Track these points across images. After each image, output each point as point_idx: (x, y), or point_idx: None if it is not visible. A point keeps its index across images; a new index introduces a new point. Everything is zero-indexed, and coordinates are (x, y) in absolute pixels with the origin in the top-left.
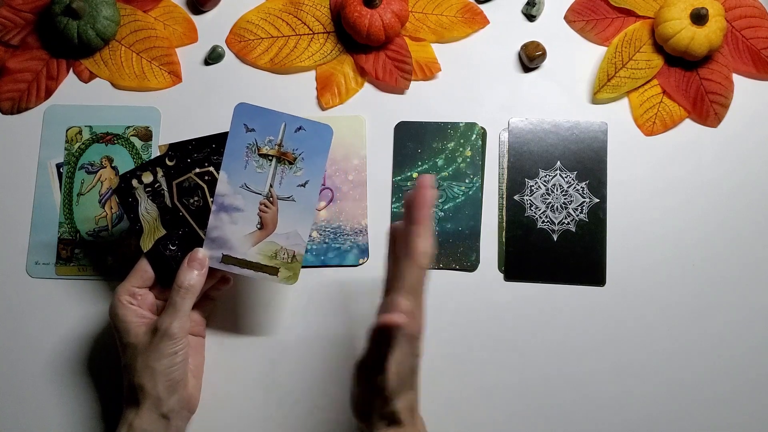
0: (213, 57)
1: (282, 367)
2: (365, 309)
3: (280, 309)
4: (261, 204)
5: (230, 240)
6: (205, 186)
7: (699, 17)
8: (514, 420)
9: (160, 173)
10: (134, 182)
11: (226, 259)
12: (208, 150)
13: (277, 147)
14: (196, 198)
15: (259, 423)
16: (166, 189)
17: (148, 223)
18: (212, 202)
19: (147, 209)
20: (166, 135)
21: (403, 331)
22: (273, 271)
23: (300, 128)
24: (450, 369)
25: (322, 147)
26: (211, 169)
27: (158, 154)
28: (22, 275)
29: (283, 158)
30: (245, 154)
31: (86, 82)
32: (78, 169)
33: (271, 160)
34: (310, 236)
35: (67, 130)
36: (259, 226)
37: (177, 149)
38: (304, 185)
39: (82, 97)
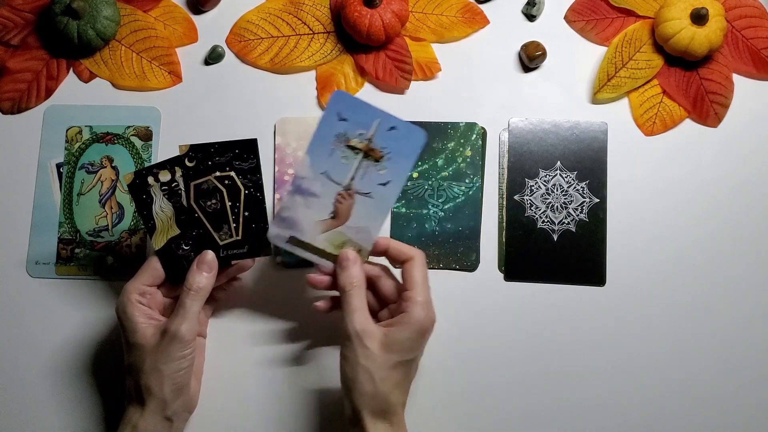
0: (213, 57)
1: (281, 367)
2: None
3: (279, 308)
4: (338, 194)
5: (300, 223)
6: (224, 190)
7: (699, 17)
8: (514, 419)
9: (178, 173)
10: (150, 179)
11: (293, 241)
12: (230, 155)
13: (366, 142)
14: (213, 201)
15: (258, 422)
16: (183, 189)
17: (161, 221)
18: (232, 206)
19: (162, 207)
20: (166, 135)
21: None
22: (335, 259)
23: (393, 128)
24: (450, 369)
25: (411, 150)
26: (233, 174)
27: (159, 153)
28: (22, 275)
29: (370, 154)
30: (333, 142)
31: (86, 82)
32: (78, 169)
33: (357, 154)
34: None
35: (67, 130)
36: (332, 215)
37: (198, 150)
38: (384, 185)
39: (82, 97)
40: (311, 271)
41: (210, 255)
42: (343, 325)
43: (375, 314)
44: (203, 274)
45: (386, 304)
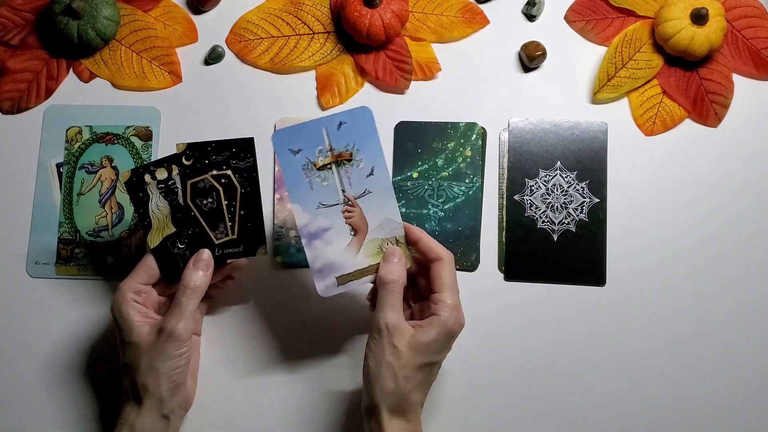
0: (213, 57)
1: (280, 367)
2: (364, 307)
3: (278, 308)
4: (343, 212)
5: (335, 261)
6: (221, 189)
7: (699, 17)
8: (515, 419)
9: (175, 171)
10: (147, 177)
11: (342, 280)
12: (227, 153)
13: (329, 153)
14: (210, 200)
15: (255, 421)
16: (180, 187)
17: (157, 219)
18: (228, 205)
19: (158, 205)
20: (166, 135)
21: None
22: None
23: (340, 123)
24: (450, 369)
25: (368, 129)
26: (229, 173)
27: (159, 153)
28: (22, 275)
29: (341, 160)
30: (304, 176)
31: (86, 82)
32: (78, 169)
33: (330, 168)
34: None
35: (67, 130)
36: (352, 232)
37: (195, 149)
38: (371, 173)
39: (82, 97)
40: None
41: (206, 253)
42: (374, 318)
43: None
44: (199, 273)
45: (417, 299)
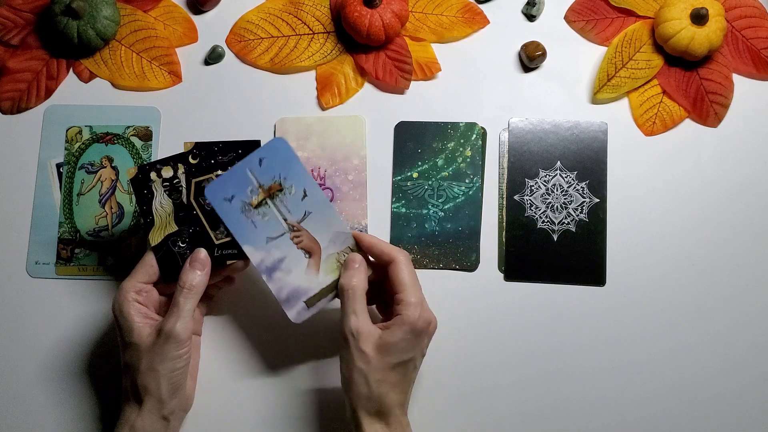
0: (213, 57)
1: (279, 367)
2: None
3: (277, 308)
4: (292, 239)
5: (299, 286)
6: None
7: (699, 17)
8: (514, 420)
9: (181, 169)
10: (153, 175)
11: (310, 302)
12: (233, 155)
13: (260, 190)
14: None
15: (254, 422)
16: (184, 186)
17: (160, 217)
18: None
19: (162, 203)
20: (166, 135)
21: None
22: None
23: (260, 160)
24: (450, 369)
25: (287, 157)
26: None
27: (160, 153)
28: (22, 275)
29: (273, 193)
30: (245, 216)
31: (86, 82)
32: (78, 169)
33: (266, 203)
34: None
35: (67, 130)
36: (307, 255)
37: (203, 148)
38: (305, 195)
39: (82, 97)
40: None
41: (203, 253)
42: (340, 327)
43: (384, 309)
44: (196, 272)
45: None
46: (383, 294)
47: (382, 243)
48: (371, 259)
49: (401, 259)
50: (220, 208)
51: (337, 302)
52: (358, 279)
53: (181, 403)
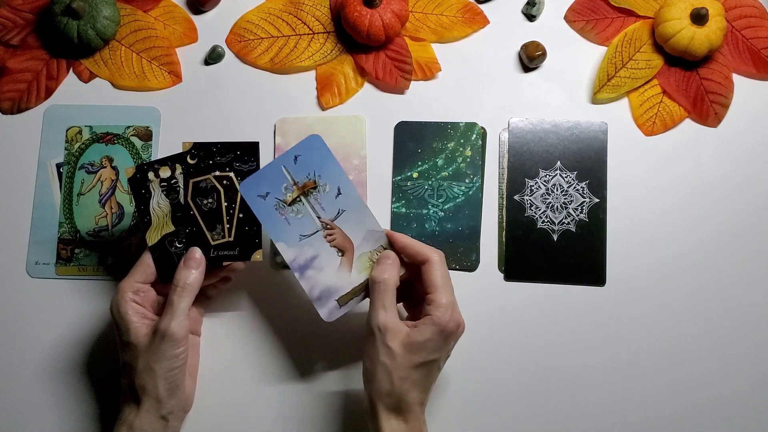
0: (213, 57)
1: (279, 367)
2: (363, 306)
3: (276, 308)
4: (325, 237)
5: (331, 285)
6: (222, 190)
7: (699, 17)
8: (514, 419)
9: (178, 170)
10: (150, 175)
11: (342, 301)
12: (231, 156)
13: (294, 187)
14: (210, 200)
15: (254, 422)
16: (182, 186)
17: (158, 217)
18: (227, 207)
19: (159, 203)
20: (166, 135)
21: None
22: None
23: (296, 157)
24: (449, 369)
25: (323, 154)
26: (231, 175)
27: (159, 153)
28: (22, 275)
29: (307, 191)
30: (278, 214)
31: (86, 82)
32: (78, 169)
33: (300, 200)
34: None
35: (67, 130)
36: (340, 254)
37: (201, 149)
38: (339, 193)
39: (82, 97)
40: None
41: (197, 252)
42: (367, 320)
43: (412, 307)
44: (191, 271)
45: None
46: (412, 293)
47: (416, 243)
48: (404, 259)
49: (436, 259)
50: (254, 205)
51: (367, 302)
52: (390, 274)
53: (180, 403)
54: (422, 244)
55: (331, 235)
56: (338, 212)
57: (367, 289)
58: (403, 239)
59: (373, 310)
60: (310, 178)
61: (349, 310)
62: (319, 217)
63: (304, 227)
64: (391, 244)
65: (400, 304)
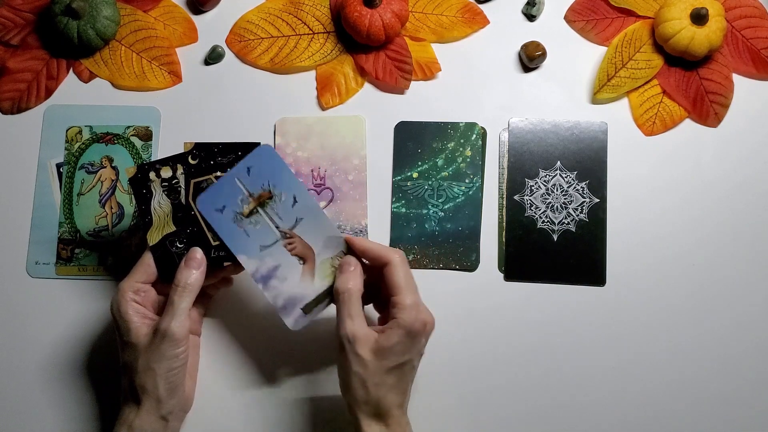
0: (213, 57)
1: (281, 368)
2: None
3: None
4: (286, 245)
5: (295, 293)
6: None
7: (699, 17)
8: (514, 419)
9: (180, 170)
10: (152, 175)
11: (307, 309)
12: (233, 156)
13: (251, 199)
14: None
15: (254, 423)
16: (183, 186)
17: (158, 217)
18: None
19: (160, 203)
20: (166, 135)
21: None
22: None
23: (248, 168)
24: (450, 369)
25: (275, 164)
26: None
27: (159, 153)
28: (22, 275)
29: (263, 201)
30: (237, 226)
31: (86, 82)
32: (78, 169)
33: (257, 211)
34: None
35: (67, 130)
36: (301, 262)
37: (202, 149)
38: (295, 201)
39: (82, 97)
40: None
41: (198, 252)
42: (336, 332)
43: (383, 307)
44: (192, 271)
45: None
46: (379, 293)
47: (376, 245)
48: (365, 261)
49: (396, 260)
50: (212, 219)
51: (334, 308)
52: (354, 282)
53: (180, 403)
54: (382, 245)
55: (291, 243)
56: (296, 221)
57: (331, 295)
58: (363, 243)
59: (340, 320)
60: (265, 188)
61: (315, 318)
62: (277, 227)
63: (264, 238)
64: (351, 248)
65: (371, 306)
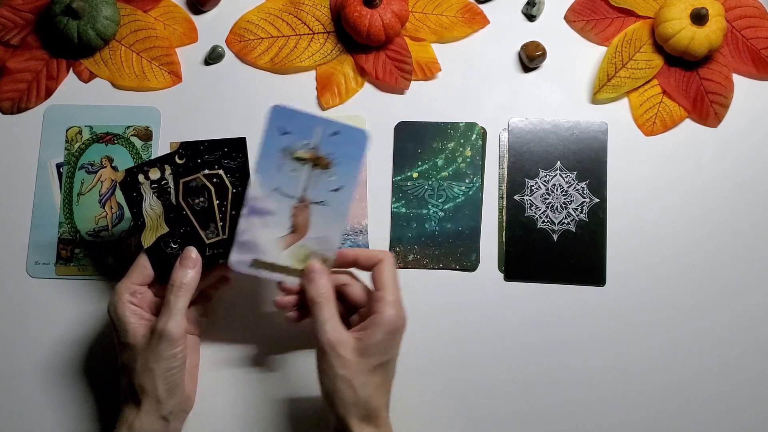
0: (213, 57)
1: (282, 368)
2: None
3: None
4: (294, 207)
5: (261, 244)
6: (212, 188)
7: (699, 17)
8: (514, 419)
9: (168, 170)
10: (140, 177)
11: (256, 264)
12: (219, 153)
13: (312, 151)
14: (201, 199)
15: (254, 423)
16: (172, 187)
17: (151, 219)
18: (219, 204)
19: (151, 205)
20: (166, 135)
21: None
22: (301, 274)
23: (336, 133)
24: (450, 369)
25: (357, 152)
26: (221, 172)
27: (159, 153)
28: (22, 275)
29: (318, 163)
30: (279, 157)
31: (86, 82)
32: (78, 169)
33: (305, 164)
34: None
35: (67, 130)
36: (291, 229)
37: (188, 148)
38: (337, 190)
39: (82, 97)
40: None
41: (193, 251)
42: (315, 338)
43: (345, 320)
44: (187, 271)
45: (356, 309)
46: (343, 299)
47: (365, 250)
48: (359, 268)
49: (387, 258)
50: (269, 132)
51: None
52: (325, 288)
53: (180, 403)
54: (371, 250)
55: (298, 212)
56: (321, 202)
57: (282, 273)
58: (353, 252)
59: (319, 327)
60: (330, 157)
61: (252, 275)
62: (304, 190)
63: (287, 186)
64: (342, 261)
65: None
